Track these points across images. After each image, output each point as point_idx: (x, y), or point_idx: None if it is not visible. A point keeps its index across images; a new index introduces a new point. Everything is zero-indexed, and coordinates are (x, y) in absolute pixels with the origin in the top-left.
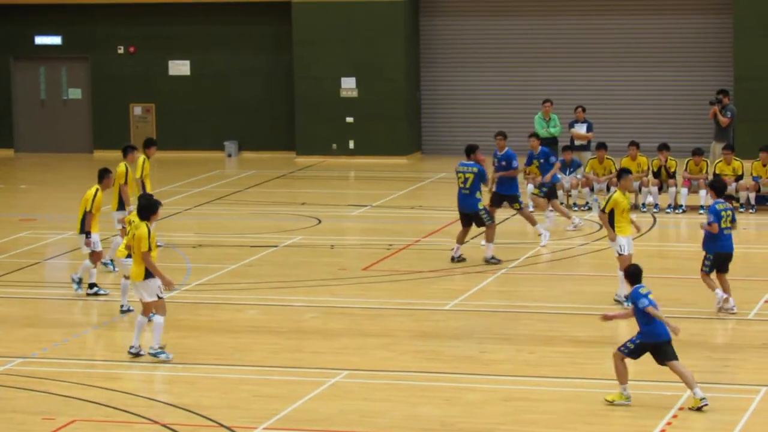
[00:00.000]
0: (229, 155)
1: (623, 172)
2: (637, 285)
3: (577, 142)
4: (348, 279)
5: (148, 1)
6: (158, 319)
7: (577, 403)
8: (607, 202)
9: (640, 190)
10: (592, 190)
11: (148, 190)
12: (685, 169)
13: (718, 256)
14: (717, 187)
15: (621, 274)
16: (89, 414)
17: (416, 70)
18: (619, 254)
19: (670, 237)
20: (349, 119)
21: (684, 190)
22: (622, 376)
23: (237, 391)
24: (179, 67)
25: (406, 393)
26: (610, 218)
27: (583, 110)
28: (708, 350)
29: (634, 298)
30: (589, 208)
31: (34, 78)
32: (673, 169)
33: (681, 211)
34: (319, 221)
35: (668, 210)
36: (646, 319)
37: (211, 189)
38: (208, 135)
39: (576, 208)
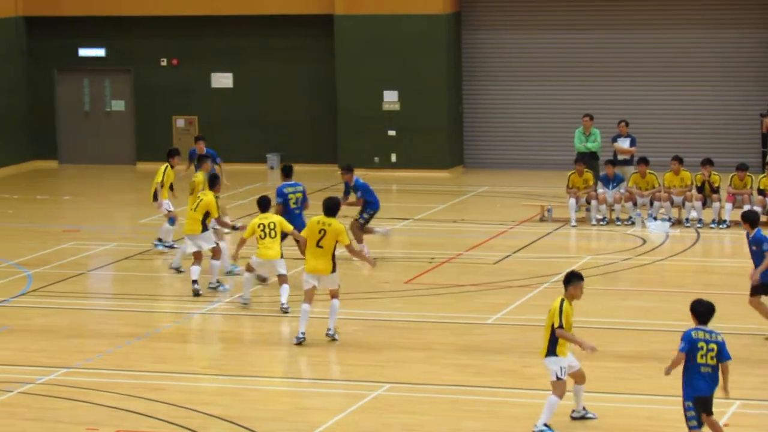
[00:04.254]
0: (272, 168)
1: (573, 278)
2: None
3: (620, 157)
4: (390, 292)
5: (191, 13)
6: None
7: (619, 418)
8: (560, 315)
9: (683, 205)
10: (635, 204)
11: (164, 197)
12: (730, 184)
13: None
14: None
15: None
16: (133, 425)
17: (458, 83)
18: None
19: (713, 252)
20: (391, 132)
21: (728, 205)
22: None
23: (280, 403)
24: (222, 80)
25: (448, 407)
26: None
27: (626, 125)
28: (749, 366)
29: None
30: (632, 223)
31: (78, 90)
32: (717, 184)
33: (725, 226)
34: None
35: (712, 225)
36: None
37: (253, 202)
38: (250, 148)
39: (619, 223)
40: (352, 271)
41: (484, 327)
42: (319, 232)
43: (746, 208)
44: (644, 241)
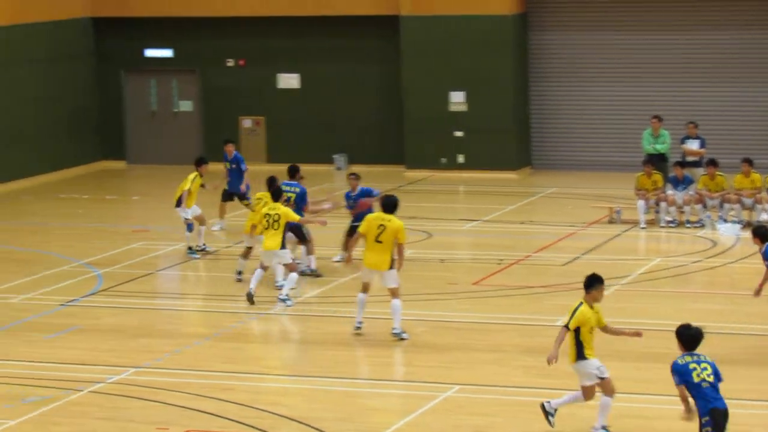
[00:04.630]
0: (338, 168)
1: (595, 281)
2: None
3: (688, 158)
4: (458, 293)
5: (258, 14)
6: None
7: (692, 422)
8: (571, 317)
9: (753, 207)
10: (704, 206)
11: (189, 205)
12: None
13: None
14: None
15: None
16: (203, 425)
17: (525, 83)
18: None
19: None
20: (458, 133)
21: None
22: None
23: (349, 404)
24: (288, 80)
25: (517, 408)
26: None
27: (696, 126)
28: None
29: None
30: (702, 225)
31: (145, 90)
32: None
33: None
34: (429, 235)
35: None
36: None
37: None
38: (317, 148)
39: (688, 225)
40: (420, 272)
41: (552, 329)
42: (378, 227)
43: None
44: (714, 244)
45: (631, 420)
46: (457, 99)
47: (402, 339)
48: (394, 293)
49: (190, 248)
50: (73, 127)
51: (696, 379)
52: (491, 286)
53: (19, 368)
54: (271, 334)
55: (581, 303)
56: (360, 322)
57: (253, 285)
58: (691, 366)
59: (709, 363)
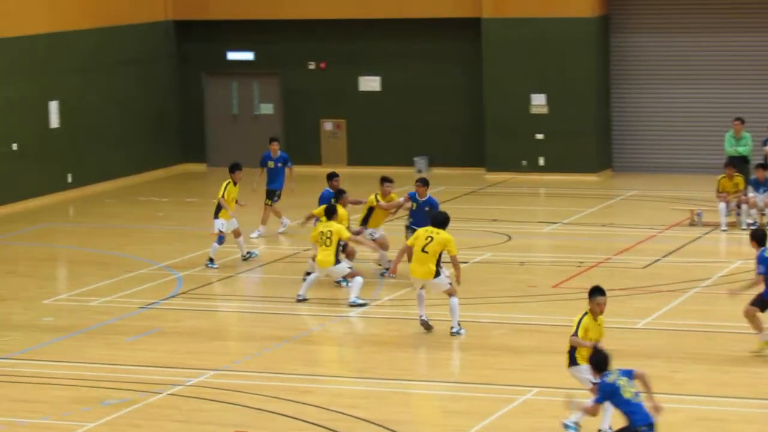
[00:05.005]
0: (419, 171)
1: (593, 293)
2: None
3: None
4: (537, 296)
5: (339, 17)
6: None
7: None
8: (577, 326)
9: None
10: None
11: (227, 217)
12: None
13: None
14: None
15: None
16: (281, 427)
17: (606, 86)
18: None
19: None
20: (539, 136)
21: None
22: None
23: (427, 407)
24: (370, 83)
25: None
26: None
27: None
28: None
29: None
30: None
31: (227, 93)
32: None
33: None
34: (509, 238)
35: None
36: None
37: None
38: (398, 151)
39: None
40: (500, 275)
41: (633, 332)
42: (426, 239)
43: None
44: None
45: (710, 423)
46: (538, 101)
47: (458, 335)
48: (450, 293)
49: (211, 260)
50: (154, 130)
51: (627, 396)
52: (571, 288)
53: (99, 371)
54: (349, 336)
55: (586, 313)
56: (424, 316)
57: (303, 290)
58: (619, 383)
59: (623, 373)
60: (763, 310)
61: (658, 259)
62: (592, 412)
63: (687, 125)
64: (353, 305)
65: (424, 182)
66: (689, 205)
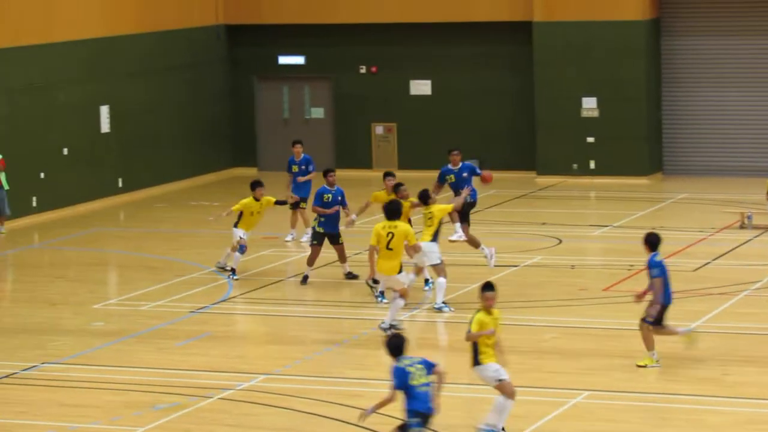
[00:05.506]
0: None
1: (481, 289)
2: None
3: None
4: (588, 299)
5: (390, 21)
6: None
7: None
8: (470, 323)
9: None
10: None
11: (242, 227)
12: None
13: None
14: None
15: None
16: (330, 431)
17: (657, 89)
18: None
19: None
20: (590, 139)
21: None
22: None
23: (480, 410)
24: (420, 87)
25: (647, 414)
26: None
27: None
28: None
29: None
30: None
31: (278, 97)
32: None
33: None
34: (560, 241)
35: None
36: None
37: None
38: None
39: None
40: (551, 278)
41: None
42: (387, 235)
43: None
44: None
45: (761, 426)
46: (589, 105)
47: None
48: (402, 294)
49: (233, 270)
50: (205, 134)
51: (414, 383)
52: (622, 292)
53: (150, 375)
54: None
55: (478, 310)
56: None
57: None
58: (410, 369)
59: (421, 361)
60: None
61: (709, 262)
62: (388, 399)
63: (738, 128)
64: (440, 309)
65: (392, 176)
66: (739, 207)
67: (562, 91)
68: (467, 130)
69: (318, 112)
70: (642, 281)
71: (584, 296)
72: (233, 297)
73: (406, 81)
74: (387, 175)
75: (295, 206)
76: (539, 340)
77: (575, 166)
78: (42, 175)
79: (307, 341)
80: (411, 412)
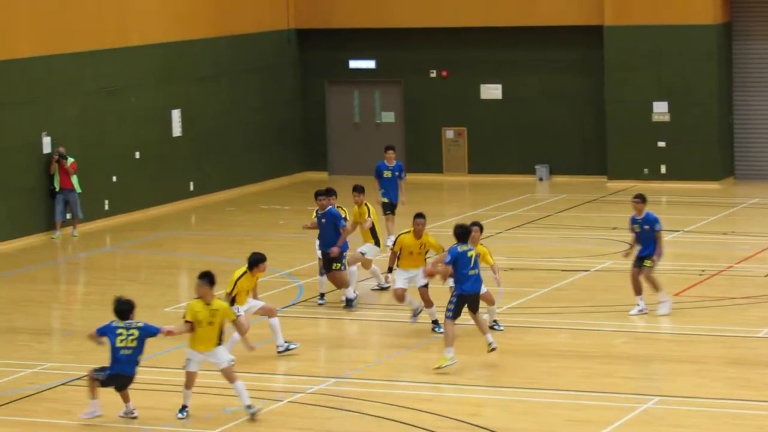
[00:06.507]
0: (540, 179)
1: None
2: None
3: None
4: (660, 304)
5: (460, 25)
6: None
7: None
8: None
9: None
10: None
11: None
12: None
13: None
14: (458, 233)
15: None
16: None
17: (729, 93)
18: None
19: None
20: (661, 143)
21: None
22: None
23: (548, 415)
24: (491, 91)
25: (717, 420)
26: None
27: None
28: None
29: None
30: None
31: (348, 101)
32: None
33: None
34: (631, 246)
35: None
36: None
37: (522, 213)
38: (519, 159)
39: None
40: (622, 283)
41: (755, 340)
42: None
43: None
44: None
45: None
46: (660, 109)
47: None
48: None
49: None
50: (276, 138)
51: (118, 343)
52: (693, 297)
53: (220, 378)
54: (472, 344)
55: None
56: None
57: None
58: (118, 331)
59: (137, 329)
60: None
61: None
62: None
63: None
64: (492, 327)
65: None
66: None
67: (633, 96)
68: (538, 135)
69: (389, 116)
70: (715, 286)
71: (656, 301)
72: (303, 300)
73: (476, 85)
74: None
75: (391, 209)
76: (609, 345)
77: (646, 170)
78: (114, 178)
79: (376, 345)
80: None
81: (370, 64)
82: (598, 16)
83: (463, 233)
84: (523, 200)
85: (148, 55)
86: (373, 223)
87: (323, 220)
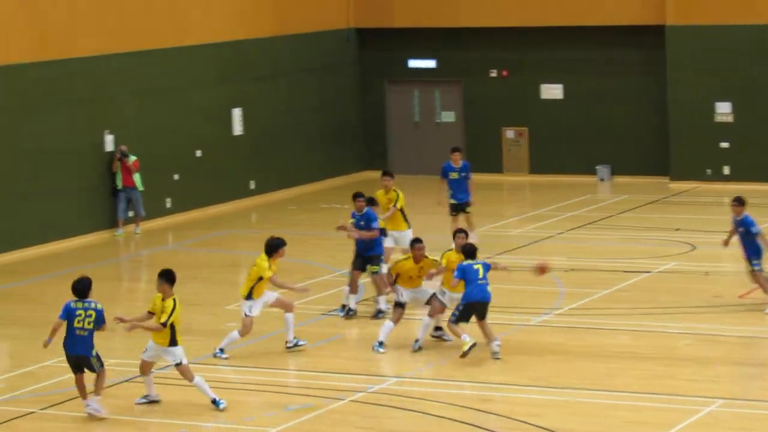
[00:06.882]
0: (602, 180)
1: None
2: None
3: None
4: (723, 306)
5: (521, 25)
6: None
7: None
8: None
9: None
10: None
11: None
12: None
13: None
14: (466, 251)
15: None
16: None
17: None
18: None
19: None
20: (724, 144)
21: None
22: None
23: (609, 417)
24: (552, 91)
25: None
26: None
27: None
28: None
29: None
30: None
31: (408, 101)
32: None
33: None
34: (693, 247)
35: None
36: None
37: (583, 213)
38: (579, 159)
39: None
40: (684, 284)
41: None
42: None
43: None
44: None
45: None
46: (723, 109)
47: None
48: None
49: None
50: (336, 137)
51: (75, 324)
52: (757, 299)
53: (283, 376)
54: (533, 345)
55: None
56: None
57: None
58: (77, 312)
59: (95, 310)
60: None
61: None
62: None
63: None
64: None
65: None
66: None
67: (695, 96)
68: (599, 135)
69: (449, 116)
70: None
71: (718, 303)
72: (364, 299)
73: (537, 85)
74: (416, 241)
75: (457, 210)
76: (673, 347)
77: (709, 171)
78: (176, 176)
79: (437, 345)
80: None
81: (430, 63)
82: (659, 15)
83: (470, 251)
84: (584, 201)
85: (209, 54)
86: (402, 207)
87: (361, 222)
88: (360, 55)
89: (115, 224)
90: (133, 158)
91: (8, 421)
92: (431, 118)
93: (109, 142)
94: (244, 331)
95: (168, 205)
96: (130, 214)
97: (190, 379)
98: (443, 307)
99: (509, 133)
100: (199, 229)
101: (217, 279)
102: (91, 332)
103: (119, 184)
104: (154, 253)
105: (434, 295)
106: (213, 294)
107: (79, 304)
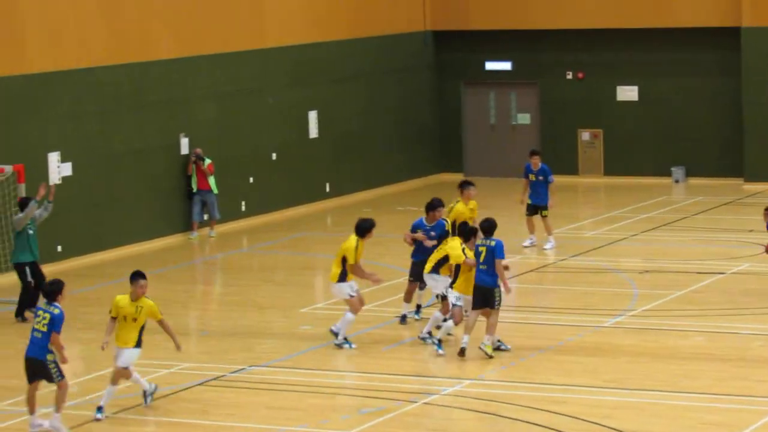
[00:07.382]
0: (677, 181)
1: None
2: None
3: None
4: None
5: (597, 26)
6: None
7: None
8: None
9: None
10: None
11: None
12: None
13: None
14: (484, 227)
15: None
16: None
17: None
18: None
19: None
20: None
21: None
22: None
23: (683, 418)
24: (627, 93)
25: None
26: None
27: None
28: None
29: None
30: None
31: (484, 103)
32: None
33: None
34: None
35: None
36: None
37: (658, 215)
38: (654, 161)
39: None
40: (758, 286)
41: None
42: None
43: None
44: None
45: None
46: None
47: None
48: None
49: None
50: (412, 140)
51: (34, 325)
52: None
53: (356, 379)
54: (608, 347)
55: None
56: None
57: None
58: (38, 313)
59: (48, 313)
60: None
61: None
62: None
63: None
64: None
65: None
66: None
67: None
68: (674, 137)
69: (524, 118)
70: None
71: None
72: (436, 303)
73: (612, 87)
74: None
75: (533, 212)
76: (746, 348)
77: None
78: (251, 179)
79: (513, 347)
80: None
81: (506, 65)
82: (735, 17)
83: (488, 227)
84: (659, 202)
85: (285, 57)
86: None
87: (432, 233)
88: (436, 58)
89: (190, 227)
90: (208, 161)
91: (81, 425)
92: (507, 120)
93: (184, 145)
94: (356, 308)
95: (243, 208)
96: (205, 217)
97: (115, 383)
98: (461, 312)
99: (584, 135)
100: (274, 232)
101: (292, 282)
102: (45, 334)
103: (194, 187)
104: (228, 256)
105: (453, 304)
106: (287, 297)
107: (45, 306)
